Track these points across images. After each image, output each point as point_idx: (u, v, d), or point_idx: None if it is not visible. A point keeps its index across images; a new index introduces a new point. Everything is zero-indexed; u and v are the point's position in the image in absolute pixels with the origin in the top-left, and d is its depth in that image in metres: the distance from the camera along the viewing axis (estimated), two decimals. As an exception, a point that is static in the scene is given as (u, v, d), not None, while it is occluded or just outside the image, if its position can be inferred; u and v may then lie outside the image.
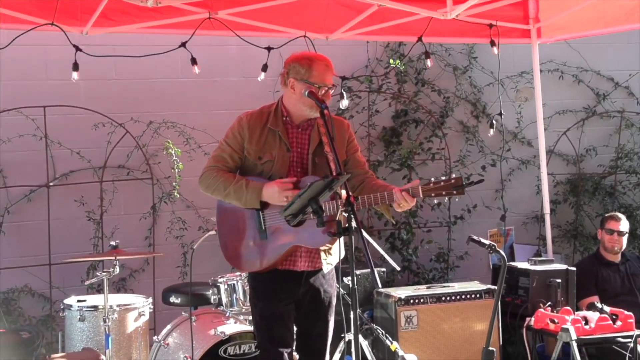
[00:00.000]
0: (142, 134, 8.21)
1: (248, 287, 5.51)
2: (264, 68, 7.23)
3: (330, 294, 5.20)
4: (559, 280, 7.29)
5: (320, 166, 5.06)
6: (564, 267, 7.54)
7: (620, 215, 7.93)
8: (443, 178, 4.76)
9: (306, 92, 4.92)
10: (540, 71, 8.35)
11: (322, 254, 5.08)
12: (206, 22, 6.74)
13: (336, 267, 5.17)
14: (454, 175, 4.75)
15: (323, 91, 4.98)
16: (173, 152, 8.02)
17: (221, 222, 5.23)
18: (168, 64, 7.99)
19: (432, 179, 4.79)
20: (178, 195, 8.13)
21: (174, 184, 8.10)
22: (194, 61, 6.91)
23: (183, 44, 6.82)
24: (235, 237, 5.14)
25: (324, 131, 4.96)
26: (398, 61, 8.69)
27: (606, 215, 8.12)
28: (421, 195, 4.76)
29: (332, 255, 5.12)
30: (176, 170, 8.02)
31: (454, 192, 4.75)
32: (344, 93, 7.42)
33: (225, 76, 8.59)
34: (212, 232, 5.96)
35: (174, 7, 6.51)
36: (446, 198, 4.81)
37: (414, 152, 9.07)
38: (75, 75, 6.61)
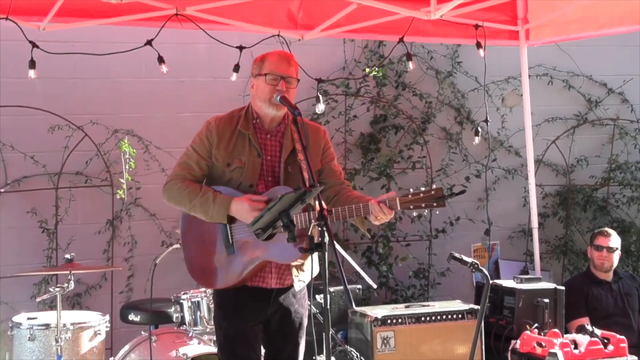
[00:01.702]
0: (104, 142, 8.17)
1: (213, 305, 5.47)
2: (236, 68, 7.22)
3: (302, 314, 5.17)
4: (546, 300, 7.29)
5: (293, 175, 5.04)
6: (552, 285, 7.54)
7: (609, 230, 7.94)
8: (423, 189, 4.74)
9: (277, 97, 4.90)
10: (529, 76, 8.37)
11: (294, 270, 5.05)
12: (173, 19, 6.73)
13: (308, 284, 5.16)
14: (434, 186, 4.74)
15: (275, 82, 4.96)
16: (127, 151, 7.97)
17: (186, 234, 5.19)
18: (132, 63, 7.96)
19: (411, 190, 4.77)
20: (124, 197, 8.09)
21: (120, 180, 8.04)
22: (161, 60, 6.89)
23: (149, 42, 6.79)
24: (200, 251, 5.11)
25: (298, 138, 4.94)
26: (379, 70, 8.68)
27: (595, 231, 8.15)
28: (399, 207, 4.74)
29: (305, 272, 5.08)
30: (127, 168, 7.98)
31: (434, 204, 4.73)
32: (320, 97, 7.40)
33: (193, 76, 8.58)
34: (177, 246, 5.91)
35: (139, 2, 6.47)
36: (426, 210, 4.81)
37: (394, 160, 9.08)
38: (31, 73, 6.59)
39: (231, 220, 4.95)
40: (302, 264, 5.07)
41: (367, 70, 8.77)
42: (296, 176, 5.02)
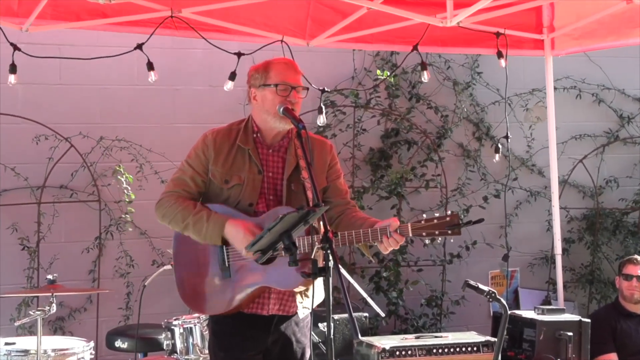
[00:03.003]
0: (90, 151, 8.20)
1: (207, 332, 5.49)
2: (232, 77, 7.19)
3: (304, 344, 5.18)
4: (570, 334, 7.27)
5: (296, 194, 5.04)
6: (576, 318, 7.51)
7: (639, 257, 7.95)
8: (437, 215, 4.75)
9: (281, 109, 4.91)
10: (555, 88, 8.36)
11: (298, 296, 5.06)
12: (168, 22, 6.74)
13: (311, 312, 5.18)
14: (449, 212, 4.75)
15: (286, 92, 4.97)
16: (124, 179, 8.02)
17: (179, 255, 5.20)
18: (122, 68, 8.01)
19: (424, 216, 4.79)
20: (131, 229, 8.13)
21: (126, 215, 8.10)
22: (150, 66, 6.88)
23: (139, 46, 6.80)
24: (193, 274, 5.12)
25: (302, 154, 4.96)
26: (386, 72, 8.71)
27: (624, 258, 8.14)
28: (410, 234, 4.75)
29: (309, 298, 5.08)
30: (126, 200, 8.03)
31: (449, 231, 4.73)
32: (322, 107, 7.41)
33: (189, 84, 8.61)
34: (168, 267, 5.94)
35: (131, 3, 6.48)
36: (439, 238, 4.82)
37: (405, 178, 9.08)
38: (11, 78, 6.61)
39: (226, 241, 4.97)
40: (306, 290, 5.06)
41: (378, 72, 8.79)
42: (299, 195, 5.03)
